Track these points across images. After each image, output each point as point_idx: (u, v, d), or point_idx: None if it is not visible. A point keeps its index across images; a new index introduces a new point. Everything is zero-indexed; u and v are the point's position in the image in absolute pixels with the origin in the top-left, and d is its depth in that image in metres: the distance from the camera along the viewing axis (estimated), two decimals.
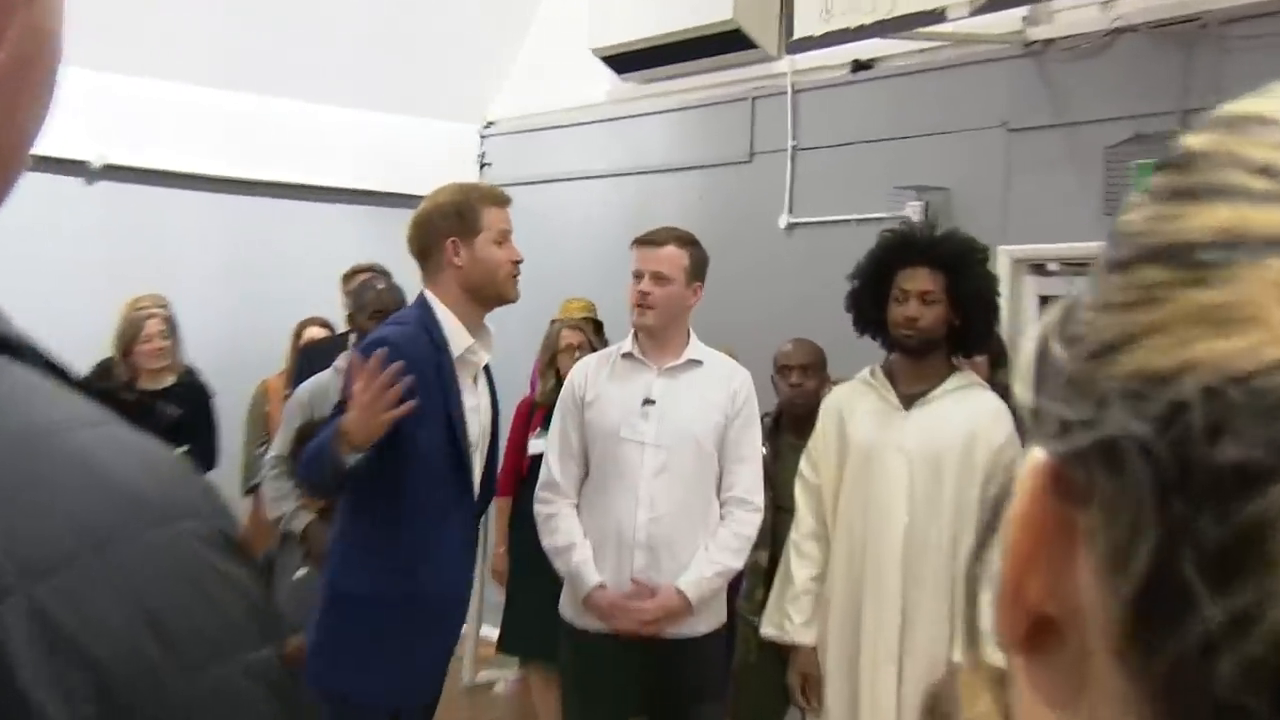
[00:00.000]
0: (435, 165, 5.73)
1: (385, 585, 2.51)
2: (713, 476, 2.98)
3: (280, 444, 3.72)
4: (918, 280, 2.82)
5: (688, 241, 3.00)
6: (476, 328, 2.59)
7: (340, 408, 2.44)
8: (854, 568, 2.87)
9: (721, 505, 2.99)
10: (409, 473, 2.48)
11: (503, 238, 2.56)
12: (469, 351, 2.56)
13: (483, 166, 6.43)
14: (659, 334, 2.97)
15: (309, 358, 4.28)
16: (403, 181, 5.85)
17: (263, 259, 5.87)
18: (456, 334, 2.54)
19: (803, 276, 4.90)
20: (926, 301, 2.82)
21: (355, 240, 5.82)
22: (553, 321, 4.46)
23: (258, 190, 5.84)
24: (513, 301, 2.62)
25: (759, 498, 3.01)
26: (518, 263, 2.59)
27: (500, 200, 2.60)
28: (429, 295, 2.56)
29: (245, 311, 5.69)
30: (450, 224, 2.52)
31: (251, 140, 5.75)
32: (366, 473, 2.41)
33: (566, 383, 3.12)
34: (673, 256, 2.95)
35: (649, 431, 2.92)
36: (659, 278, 2.94)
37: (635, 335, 3.04)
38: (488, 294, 2.57)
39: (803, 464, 3.04)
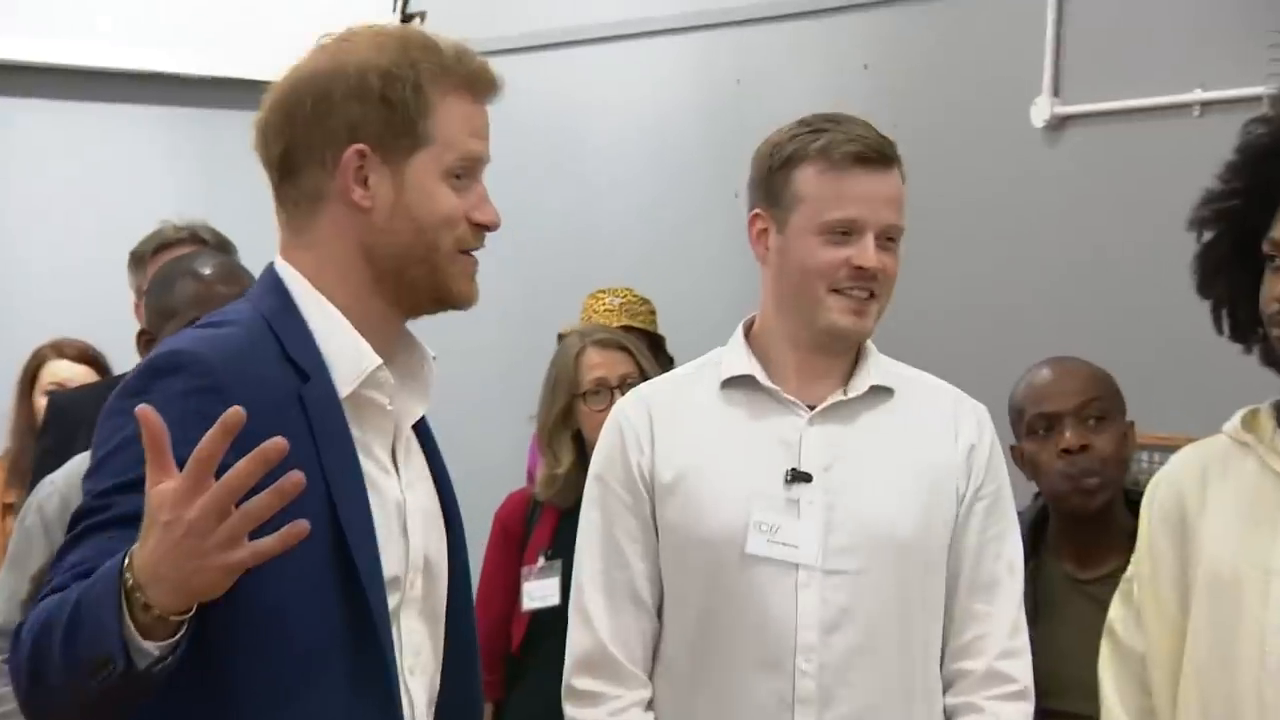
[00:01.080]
0: (312, 28, 5.77)
1: None
2: (936, 624, 3.11)
3: (1, 608, 3.76)
4: None
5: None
6: (390, 340, 2.62)
7: (89, 515, 2.34)
8: None
9: (948, 685, 3.12)
10: (256, 654, 2.46)
11: (466, 168, 2.58)
12: (369, 385, 2.56)
13: (408, 20, 6.54)
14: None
15: (60, 424, 4.37)
16: (248, 59, 5.91)
17: None
18: (344, 346, 2.54)
19: (1082, 221, 4.96)
20: None
21: (159, 178, 5.97)
22: (560, 337, 4.59)
23: None
24: (462, 305, 2.64)
25: (1027, 670, 3.13)
26: (483, 228, 2.61)
27: (476, 81, 2.60)
28: (285, 270, 2.60)
29: None
30: (361, 112, 2.52)
31: None
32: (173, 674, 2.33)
33: (607, 441, 3.22)
34: (901, 190, 3.11)
35: (807, 539, 3.04)
36: (892, 237, 3.09)
37: (746, 335, 3.18)
38: (415, 276, 2.58)
39: (1114, 614, 3.12)
